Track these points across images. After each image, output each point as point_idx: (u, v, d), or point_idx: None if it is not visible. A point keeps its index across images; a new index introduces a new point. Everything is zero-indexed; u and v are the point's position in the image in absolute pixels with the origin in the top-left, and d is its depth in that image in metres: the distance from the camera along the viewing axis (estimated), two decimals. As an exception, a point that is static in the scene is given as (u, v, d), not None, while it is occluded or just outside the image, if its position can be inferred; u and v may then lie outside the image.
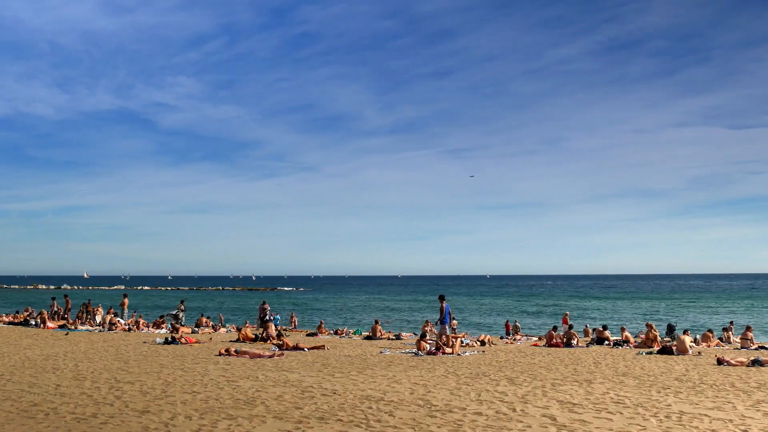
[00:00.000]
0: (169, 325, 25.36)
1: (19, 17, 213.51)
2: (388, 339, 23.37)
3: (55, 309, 29.95)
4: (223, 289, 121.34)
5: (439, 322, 18.58)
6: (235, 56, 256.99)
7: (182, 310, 28.49)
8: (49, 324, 25.40)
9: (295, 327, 32.74)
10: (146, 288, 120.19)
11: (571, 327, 24.00)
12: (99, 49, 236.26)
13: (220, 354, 15.97)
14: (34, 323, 25.85)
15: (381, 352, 17.48)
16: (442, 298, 18.74)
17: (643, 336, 20.91)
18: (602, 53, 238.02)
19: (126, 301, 29.64)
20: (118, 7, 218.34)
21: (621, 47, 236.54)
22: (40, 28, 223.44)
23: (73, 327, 25.09)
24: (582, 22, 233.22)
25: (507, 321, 31.62)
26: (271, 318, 27.23)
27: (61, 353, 15.81)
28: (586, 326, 28.26)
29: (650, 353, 17.42)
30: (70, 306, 29.19)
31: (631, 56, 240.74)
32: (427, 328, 23.48)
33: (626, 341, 20.80)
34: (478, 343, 21.09)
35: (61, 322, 27.02)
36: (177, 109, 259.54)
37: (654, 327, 20.82)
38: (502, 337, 26.64)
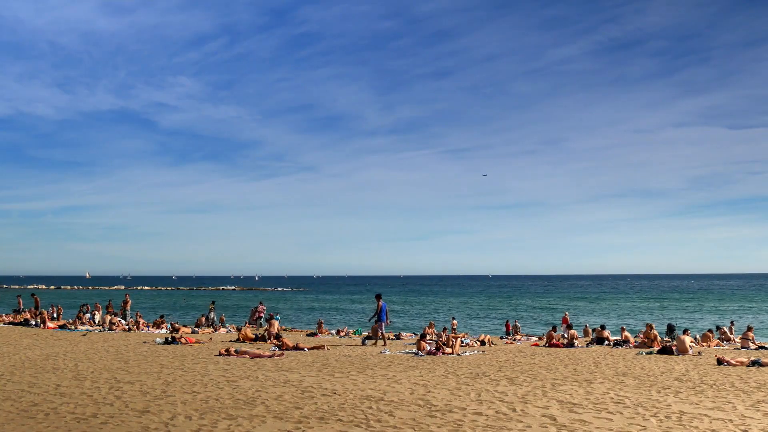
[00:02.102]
0: (169, 325, 25.37)
1: (19, 17, 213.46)
2: (388, 339, 23.37)
3: (21, 307, 29.62)
4: (222, 289, 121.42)
5: (376, 319, 20.05)
6: (235, 56, 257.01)
7: (213, 311, 29.06)
8: (49, 324, 25.42)
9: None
10: (146, 288, 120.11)
11: (570, 327, 24.02)
12: (99, 49, 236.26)
13: (220, 354, 15.99)
14: (34, 323, 25.86)
15: (381, 352, 17.49)
16: (378, 297, 20.19)
17: (642, 336, 20.92)
18: (602, 53, 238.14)
19: (129, 301, 29.56)
20: (119, 8, 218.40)
21: (621, 47, 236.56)
22: (40, 28, 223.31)
23: (72, 327, 25.10)
24: (582, 22, 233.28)
25: (507, 321, 31.62)
26: (269, 317, 27.23)
27: (61, 353, 15.83)
28: (586, 326, 28.26)
29: (650, 353, 17.44)
30: (39, 305, 28.69)
31: (631, 56, 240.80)
32: (429, 330, 23.50)
33: (626, 341, 20.81)
34: (478, 343, 21.10)
35: (61, 322, 27.00)
36: (177, 109, 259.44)
37: (654, 327, 20.83)
38: (502, 337, 26.65)
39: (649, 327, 20.72)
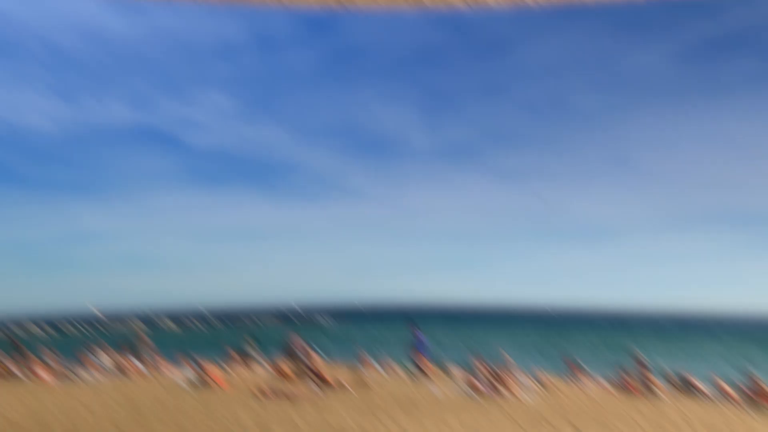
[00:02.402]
0: (195, 365, 25.07)
1: (3, 11, 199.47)
2: (436, 375, 22.71)
3: None
4: (259, 321, 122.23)
5: (415, 351, 20.60)
6: (271, 71, 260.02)
7: (251, 346, 28.86)
8: (41, 373, 23.49)
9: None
10: (169, 323, 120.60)
11: (647, 370, 22.72)
12: (110, 55, 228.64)
13: (253, 395, 15.69)
14: (19, 374, 23.43)
15: (429, 391, 16.92)
16: (414, 327, 20.71)
17: (749, 390, 19.32)
18: (692, 57, 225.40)
19: (145, 338, 28.89)
20: (130, 8, 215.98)
21: (716, 48, 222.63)
22: (32, 25, 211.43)
23: (72, 375, 23.50)
24: (664, 21, 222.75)
25: (569, 359, 30.36)
26: (309, 350, 26.90)
27: (54, 408, 13.78)
28: (667, 371, 26.78)
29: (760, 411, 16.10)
30: (21, 348, 27.33)
31: (729, 58, 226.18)
32: (481, 366, 22.71)
33: (722, 393, 19.36)
34: (537, 383, 20.24)
35: (58, 369, 25.65)
36: (206, 128, 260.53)
37: (761, 379, 19.25)
38: (563, 378, 25.54)
39: (755, 378, 19.18)
